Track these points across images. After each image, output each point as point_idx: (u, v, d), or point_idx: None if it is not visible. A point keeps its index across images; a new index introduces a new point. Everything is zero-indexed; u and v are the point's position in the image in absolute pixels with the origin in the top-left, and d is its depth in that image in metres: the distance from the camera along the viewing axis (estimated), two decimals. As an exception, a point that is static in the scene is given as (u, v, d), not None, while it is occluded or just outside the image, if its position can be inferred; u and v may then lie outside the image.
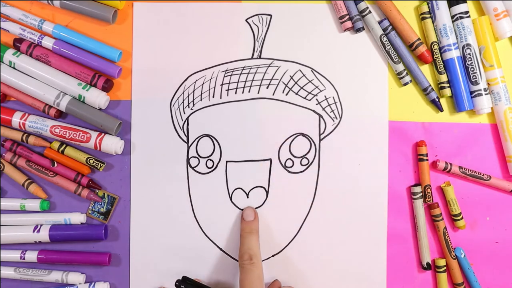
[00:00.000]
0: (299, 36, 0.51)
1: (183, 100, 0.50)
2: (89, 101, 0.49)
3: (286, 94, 0.50)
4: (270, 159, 0.50)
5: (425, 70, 0.51)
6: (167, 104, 0.51)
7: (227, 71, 0.50)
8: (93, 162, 0.50)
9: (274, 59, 0.50)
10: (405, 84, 0.50)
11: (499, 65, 0.49)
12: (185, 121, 0.50)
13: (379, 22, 0.50)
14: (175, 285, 0.45)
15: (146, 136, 0.51)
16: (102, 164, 0.50)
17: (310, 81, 0.50)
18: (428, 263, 0.50)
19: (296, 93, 0.50)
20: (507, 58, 0.51)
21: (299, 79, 0.50)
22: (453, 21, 0.49)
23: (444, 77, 0.50)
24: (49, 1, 0.49)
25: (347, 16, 0.50)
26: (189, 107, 0.50)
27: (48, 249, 0.50)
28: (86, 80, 0.49)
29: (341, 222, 0.50)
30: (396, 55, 0.50)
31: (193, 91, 0.50)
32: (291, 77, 0.50)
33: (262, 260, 0.51)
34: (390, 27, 0.49)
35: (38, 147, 0.51)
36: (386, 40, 0.49)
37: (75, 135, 0.49)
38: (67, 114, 0.50)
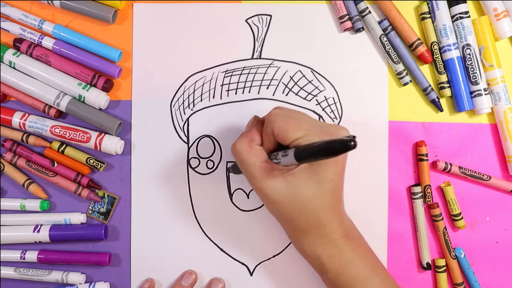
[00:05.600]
0: (299, 36, 0.51)
1: (184, 101, 0.50)
2: (89, 101, 0.49)
3: (286, 95, 0.50)
4: (270, 159, 0.50)
5: (425, 70, 0.51)
6: (167, 104, 0.51)
7: (227, 72, 0.50)
8: (93, 162, 0.50)
9: (274, 60, 0.50)
10: (405, 84, 0.50)
11: (499, 65, 0.49)
12: (185, 122, 0.50)
13: (379, 22, 0.50)
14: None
15: (146, 136, 0.51)
16: (102, 164, 0.50)
17: (310, 82, 0.50)
18: (428, 263, 0.50)
19: (296, 94, 0.50)
20: (507, 58, 0.51)
21: (299, 79, 0.50)
22: (453, 21, 0.49)
23: (444, 77, 0.50)
24: (49, 1, 0.49)
25: (347, 16, 0.50)
26: (189, 108, 0.50)
27: (48, 249, 0.50)
28: (86, 80, 0.49)
29: (341, 222, 0.50)
30: (396, 55, 0.50)
31: (193, 92, 0.50)
32: (291, 78, 0.50)
33: (263, 261, 0.51)
34: (390, 27, 0.49)
35: (38, 147, 0.51)
36: (386, 40, 0.49)
37: (75, 135, 0.49)
38: (67, 114, 0.50)
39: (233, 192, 0.50)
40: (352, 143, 0.31)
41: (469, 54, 0.49)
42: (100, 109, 0.50)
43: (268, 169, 0.40)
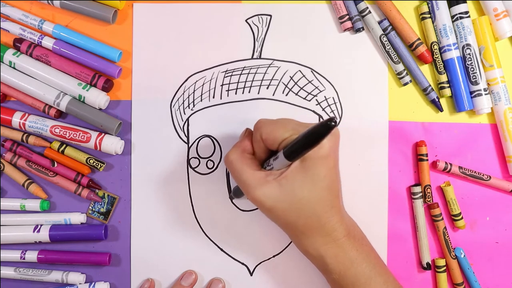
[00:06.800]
0: (299, 36, 0.51)
1: (183, 101, 0.50)
2: (89, 101, 0.49)
3: (286, 95, 0.50)
4: (270, 159, 0.50)
5: (425, 70, 0.51)
6: (167, 104, 0.51)
7: (227, 72, 0.50)
8: (93, 162, 0.50)
9: (274, 60, 0.50)
10: (405, 84, 0.50)
11: (499, 65, 0.49)
12: (185, 122, 0.50)
13: (379, 22, 0.50)
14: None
15: (146, 136, 0.51)
16: (102, 164, 0.50)
17: (310, 82, 0.50)
18: (428, 263, 0.50)
19: (296, 94, 0.50)
20: (507, 58, 0.51)
21: (299, 79, 0.50)
22: (453, 21, 0.49)
23: (444, 77, 0.50)
24: (49, 1, 0.49)
25: (347, 16, 0.50)
26: (189, 108, 0.50)
27: (48, 249, 0.50)
28: (86, 80, 0.49)
29: (341, 222, 0.50)
30: (396, 55, 0.50)
31: (193, 92, 0.50)
32: (291, 78, 0.50)
33: (263, 261, 0.51)
34: (390, 27, 0.49)
35: (38, 147, 0.51)
36: (386, 40, 0.49)
37: (75, 135, 0.49)
38: (67, 114, 0.50)
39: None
40: (333, 122, 0.32)
41: (469, 54, 0.49)
42: (100, 109, 0.50)
43: (261, 176, 0.40)
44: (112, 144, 0.49)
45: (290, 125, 0.40)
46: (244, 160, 0.42)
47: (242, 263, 0.51)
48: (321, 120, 0.50)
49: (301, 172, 0.39)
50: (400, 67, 0.49)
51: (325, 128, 0.33)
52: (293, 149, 0.37)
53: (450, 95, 0.50)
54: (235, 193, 0.47)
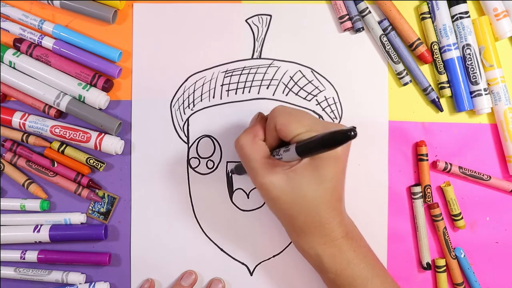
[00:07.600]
0: (299, 36, 0.51)
1: (183, 101, 0.50)
2: (89, 101, 0.49)
3: (286, 95, 0.50)
4: (270, 159, 0.50)
5: (425, 70, 0.51)
6: (167, 104, 0.51)
7: (227, 72, 0.50)
8: (93, 162, 0.50)
9: (274, 60, 0.50)
10: (405, 84, 0.50)
11: (499, 65, 0.49)
12: (185, 122, 0.50)
13: (379, 22, 0.50)
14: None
15: (146, 136, 0.51)
16: (102, 164, 0.50)
17: (310, 82, 0.50)
18: (428, 263, 0.50)
19: (296, 94, 0.50)
20: (507, 58, 0.51)
21: (299, 79, 0.50)
22: (453, 21, 0.49)
23: (444, 77, 0.50)
24: (49, 1, 0.49)
25: (347, 16, 0.50)
26: (189, 108, 0.50)
27: (48, 249, 0.50)
28: (86, 80, 0.49)
29: (341, 222, 0.50)
30: (396, 55, 0.50)
31: (193, 92, 0.50)
32: (291, 78, 0.50)
33: (263, 261, 0.51)
34: (390, 27, 0.49)
35: (38, 147, 0.51)
36: (386, 40, 0.49)
37: (75, 135, 0.49)
38: (67, 114, 0.50)
39: (233, 192, 0.50)
40: (353, 132, 0.32)
41: (469, 54, 0.49)
42: (100, 109, 0.50)
43: (270, 165, 0.40)
44: (112, 144, 0.49)
45: (306, 120, 0.40)
46: (255, 145, 0.42)
47: (242, 263, 0.51)
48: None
49: (310, 169, 0.40)
50: (400, 67, 0.49)
51: (344, 136, 0.33)
52: (307, 147, 0.37)
53: (450, 95, 0.50)
54: (237, 169, 0.47)
